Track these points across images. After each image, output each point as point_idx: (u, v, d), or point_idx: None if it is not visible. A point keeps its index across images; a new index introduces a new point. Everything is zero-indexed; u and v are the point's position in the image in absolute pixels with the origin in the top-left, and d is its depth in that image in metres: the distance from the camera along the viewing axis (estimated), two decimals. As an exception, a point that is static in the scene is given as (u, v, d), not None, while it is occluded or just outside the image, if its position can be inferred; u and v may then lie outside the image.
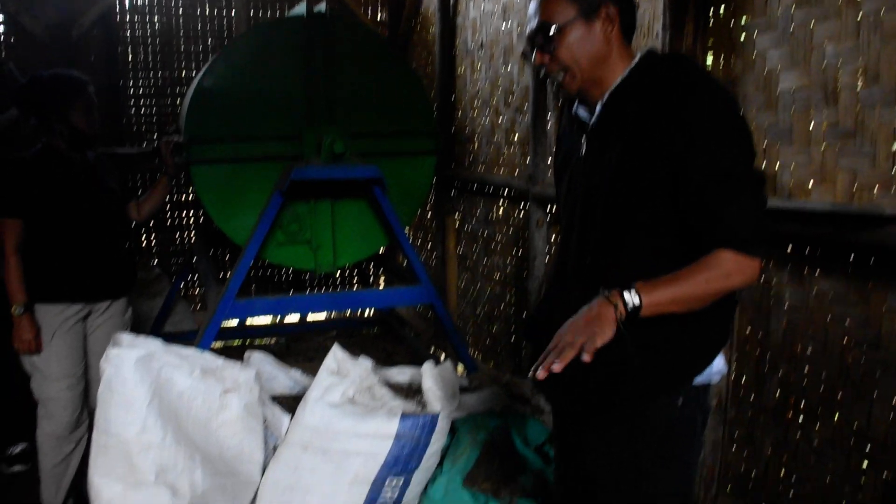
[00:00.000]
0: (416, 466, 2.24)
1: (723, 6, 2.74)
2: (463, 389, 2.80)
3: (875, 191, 2.25)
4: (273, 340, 5.46)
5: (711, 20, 2.78)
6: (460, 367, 3.71)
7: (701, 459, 1.80)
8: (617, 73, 1.68)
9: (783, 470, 2.86)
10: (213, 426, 2.30)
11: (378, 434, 2.18)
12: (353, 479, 2.20)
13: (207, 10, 5.86)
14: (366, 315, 5.71)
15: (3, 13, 5.19)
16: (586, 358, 1.48)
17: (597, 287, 1.60)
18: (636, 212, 1.63)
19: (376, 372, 2.48)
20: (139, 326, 3.71)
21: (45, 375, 2.94)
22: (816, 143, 2.44)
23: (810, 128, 2.46)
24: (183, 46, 5.85)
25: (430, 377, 2.35)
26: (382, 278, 6.23)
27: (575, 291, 1.68)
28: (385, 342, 5.30)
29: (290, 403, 2.49)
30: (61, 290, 2.93)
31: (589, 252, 1.70)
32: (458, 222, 5.27)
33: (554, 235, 3.93)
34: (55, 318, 2.91)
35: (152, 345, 2.28)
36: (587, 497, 1.82)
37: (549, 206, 3.91)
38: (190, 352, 2.36)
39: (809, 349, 2.62)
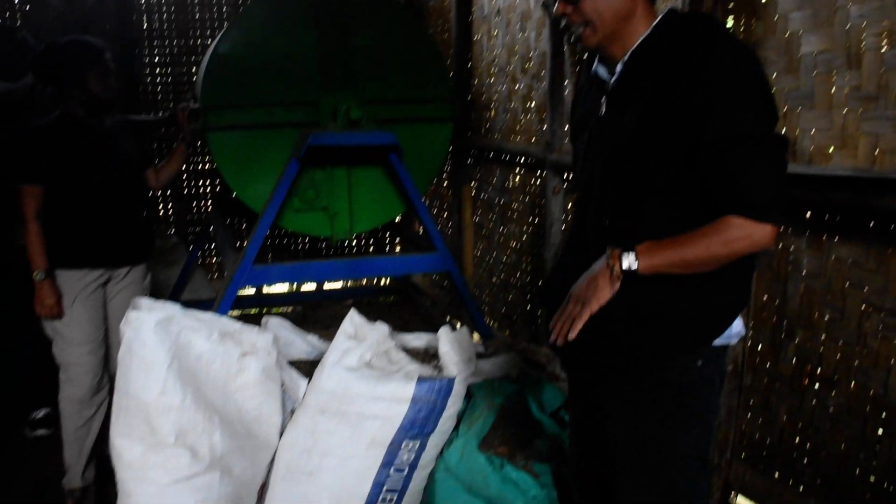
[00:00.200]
0: (433, 430, 2.25)
1: (744, -32, 2.70)
2: (479, 356, 2.81)
3: (897, 155, 2.22)
4: (290, 309, 5.50)
5: (732, -19, 2.75)
6: (476, 335, 3.73)
7: (716, 424, 1.81)
8: (639, 33, 1.65)
9: (798, 437, 2.86)
10: (231, 389, 2.33)
11: (395, 397, 2.19)
12: (370, 442, 2.22)
13: (222, -23, 5.83)
14: (382, 284, 5.73)
15: (18, -20, 5.19)
16: (575, 331, 1.54)
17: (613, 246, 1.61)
18: (653, 177, 1.62)
19: (393, 337, 2.49)
20: (157, 294, 3.74)
21: (67, 340, 2.98)
22: (838, 108, 2.41)
23: (832, 92, 2.42)
24: (198, 14, 5.83)
25: (447, 342, 2.36)
26: (398, 247, 6.24)
27: (592, 254, 1.68)
28: (401, 311, 5.33)
29: (307, 368, 2.51)
30: (81, 256, 2.96)
31: (607, 214, 1.70)
32: (474, 191, 5.26)
33: (570, 203, 3.92)
34: (76, 284, 2.95)
35: (171, 309, 2.30)
36: (605, 460, 1.84)
37: (565, 174, 3.89)
38: (208, 316, 2.38)
39: (827, 316, 2.60)
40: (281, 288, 5.98)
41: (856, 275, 2.44)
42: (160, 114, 5.81)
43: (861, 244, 2.41)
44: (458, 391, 2.28)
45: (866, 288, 2.42)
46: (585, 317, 1.59)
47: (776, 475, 2.94)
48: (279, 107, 3.54)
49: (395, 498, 2.30)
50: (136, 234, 3.15)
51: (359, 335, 2.34)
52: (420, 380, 2.20)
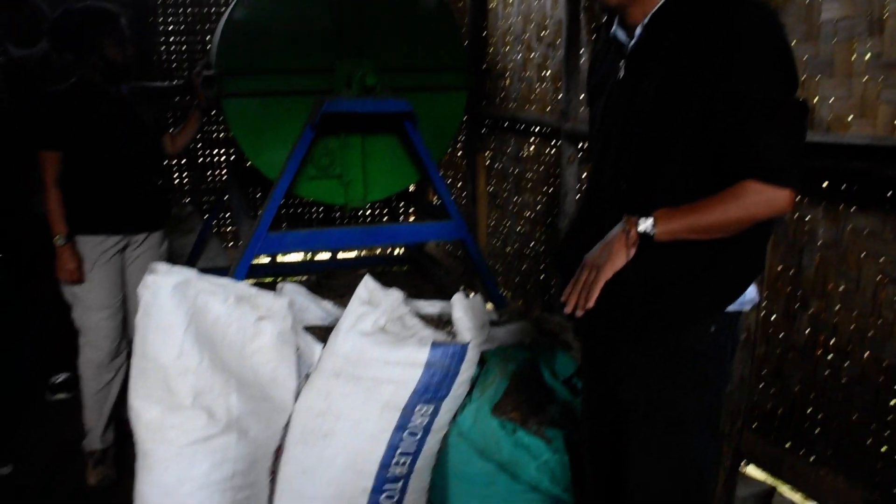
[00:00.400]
0: (446, 395, 2.27)
1: (765, -68, 2.66)
2: (492, 324, 2.83)
3: (917, 124, 2.20)
4: (304, 278, 5.53)
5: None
6: (489, 304, 3.74)
7: (728, 392, 1.82)
8: None
9: (810, 407, 2.87)
10: (247, 353, 2.36)
11: (409, 362, 2.21)
12: (384, 406, 2.24)
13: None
14: (395, 253, 5.75)
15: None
16: (591, 300, 1.55)
17: (630, 211, 1.61)
18: (670, 144, 1.61)
19: (407, 303, 2.50)
20: (173, 263, 3.76)
21: (86, 305, 3.02)
22: (858, 76, 2.38)
23: (852, 59, 2.40)
24: (213, -19, 5.82)
25: (461, 308, 2.37)
26: (412, 217, 6.24)
27: (607, 221, 1.68)
28: (415, 280, 5.34)
29: (321, 334, 2.53)
30: (100, 222, 2.99)
31: (623, 181, 1.69)
32: (488, 160, 5.25)
33: (585, 173, 3.91)
34: (95, 250, 2.98)
35: (188, 273, 2.32)
36: (617, 425, 1.85)
37: (580, 143, 3.87)
38: (224, 281, 2.40)
39: (841, 287, 2.60)
40: (295, 257, 6.01)
41: (872, 245, 2.44)
42: (174, 82, 5.82)
43: (878, 214, 2.40)
44: (472, 357, 2.29)
45: (882, 258, 2.41)
46: (601, 284, 1.59)
47: (788, 445, 2.95)
48: (294, 74, 3.53)
49: (408, 461, 2.32)
50: (153, 200, 3.17)
51: (373, 301, 2.35)
52: (434, 345, 2.22)
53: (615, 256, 1.59)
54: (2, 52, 3.82)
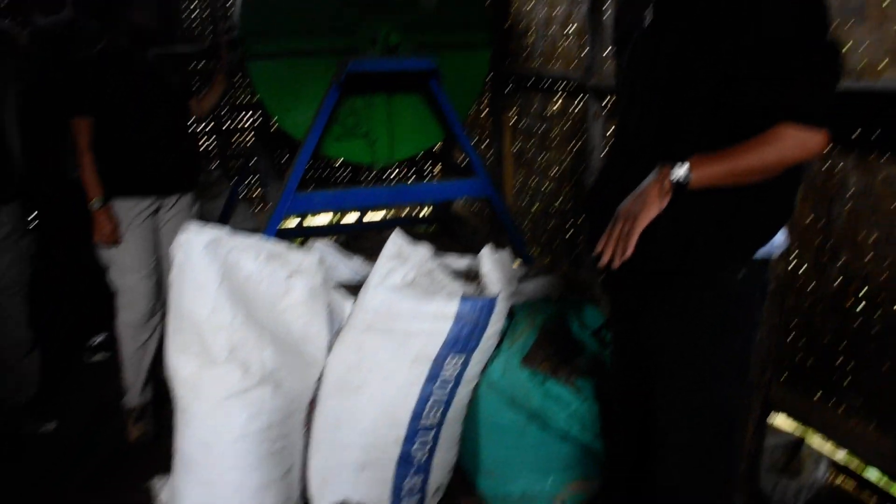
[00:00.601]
0: (476, 347, 2.30)
1: None
2: (520, 279, 2.84)
3: (952, 68, 2.16)
4: (332, 240, 5.57)
5: None
6: (517, 262, 3.76)
7: (757, 340, 1.82)
8: None
9: (840, 358, 2.86)
10: (279, 309, 2.40)
11: (438, 315, 2.24)
12: (415, 358, 2.28)
13: None
14: (422, 214, 5.76)
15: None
16: (629, 250, 1.55)
17: (656, 162, 1.61)
18: (697, 93, 1.60)
19: (435, 258, 2.53)
20: (203, 225, 3.82)
21: (122, 267, 3.08)
22: (891, 20, 2.34)
23: (884, 4, 2.35)
24: (235, -57, 5.78)
25: (489, 262, 2.39)
26: (438, 177, 6.24)
27: (634, 167, 1.68)
28: (442, 240, 5.37)
29: (351, 291, 2.57)
30: (132, 185, 3.04)
31: (651, 128, 1.69)
32: (513, 119, 5.22)
33: (611, 128, 3.88)
34: (129, 212, 3.03)
35: (219, 232, 2.36)
36: (646, 373, 1.87)
37: (606, 99, 3.84)
38: (255, 239, 2.44)
39: (873, 237, 2.58)
40: (322, 220, 6.06)
41: (904, 194, 2.41)
42: (199, 46, 5.83)
43: (911, 162, 2.37)
44: (501, 310, 2.32)
45: (915, 206, 2.38)
46: (636, 234, 1.59)
47: (817, 396, 2.96)
48: (318, 34, 3.53)
49: (439, 411, 2.36)
50: (183, 162, 3.21)
51: (402, 255, 2.38)
52: (463, 298, 2.24)
53: (650, 205, 1.59)
54: (28, 21, 3.86)
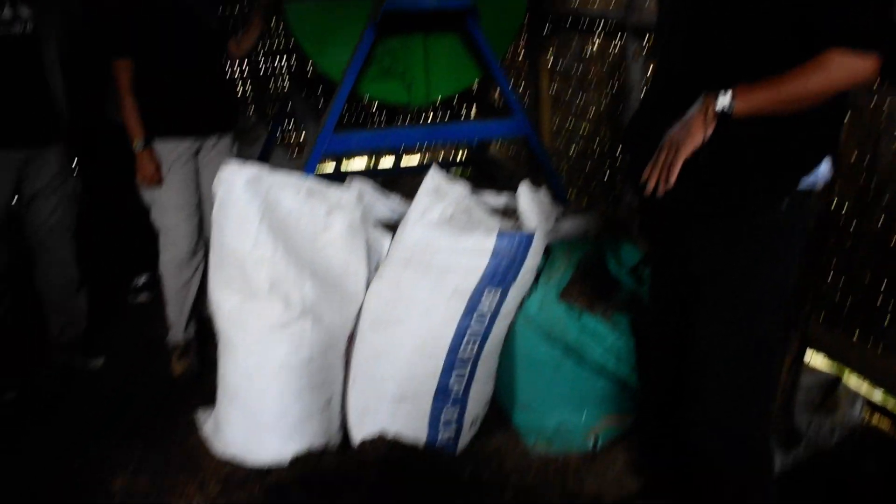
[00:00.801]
0: (512, 282, 2.32)
1: None
2: (557, 218, 2.84)
3: None
4: (368, 184, 5.60)
5: None
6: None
7: (796, 273, 1.81)
8: None
9: (881, 297, 2.84)
10: (319, 244, 2.44)
11: (476, 250, 2.26)
12: (453, 292, 2.31)
13: None
14: (458, 158, 5.75)
15: None
16: (672, 178, 1.55)
17: (699, 92, 1.60)
18: (744, 20, 1.57)
19: (473, 195, 2.55)
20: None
21: (164, 207, 3.14)
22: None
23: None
24: None
25: (527, 198, 2.40)
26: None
27: (677, 97, 1.66)
28: (478, 184, 5.35)
29: (389, 229, 2.60)
30: (173, 126, 3.07)
31: (694, 57, 1.67)
32: (550, 61, 5.15)
33: (651, 68, 3.82)
34: (170, 153, 3.07)
35: (260, 169, 2.39)
36: (686, 306, 1.87)
37: (646, 37, 3.77)
38: (294, 177, 2.47)
39: (920, 173, 2.53)
40: (359, 165, 6.08)
41: (953, 127, 2.35)
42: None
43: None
44: (538, 245, 2.33)
45: (964, 140, 2.33)
46: (680, 162, 1.59)
47: (856, 335, 2.94)
48: (354, -26, 3.50)
49: (476, 345, 2.40)
50: (222, 103, 3.24)
51: (440, 192, 2.39)
52: (501, 233, 2.25)
53: (694, 134, 1.58)
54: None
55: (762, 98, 1.54)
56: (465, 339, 2.36)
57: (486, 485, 2.43)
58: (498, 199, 2.68)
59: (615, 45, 4.22)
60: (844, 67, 1.48)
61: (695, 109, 1.60)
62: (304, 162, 3.41)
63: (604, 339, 2.35)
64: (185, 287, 3.28)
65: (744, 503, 1.94)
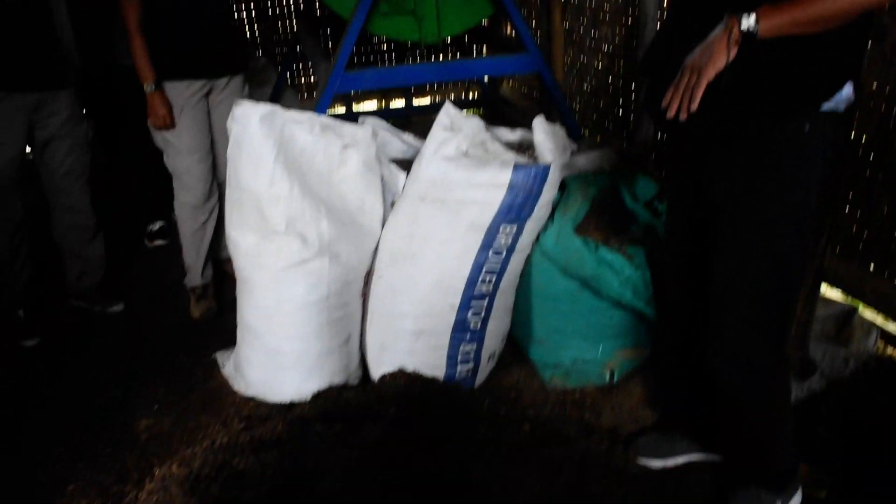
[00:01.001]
0: (529, 215, 2.32)
1: None
2: (573, 153, 2.82)
3: None
4: (381, 125, 5.57)
5: None
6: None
7: (817, 198, 1.79)
8: None
9: (897, 229, 2.82)
10: (334, 181, 2.44)
11: (492, 184, 2.25)
12: (469, 227, 2.31)
13: None
14: (470, 98, 5.70)
15: None
16: (695, 102, 1.53)
17: (721, 14, 1.57)
18: None
19: (488, 129, 2.53)
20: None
21: (177, 150, 3.13)
22: None
23: None
24: None
25: (542, 131, 2.38)
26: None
27: (698, 22, 1.63)
28: (490, 123, 5.31)
29: (404, 166, 2.59)
30: (183, 67, 3.05)
31: None
32: (563, -4, 5.05)
33: (666, 0, 3.74)
34: (181, 95, 3.06)
35: (273, 106, 2.37)
36: (704, 232, 1.86)
37: (661, -32, 3.69)
38: (308, 114, 2.46)
39: (941, 100, 2.49)
40: (370, 106, 6.04)
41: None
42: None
43: None
44: (554, 178, 2.31)
45: None
46: (703, 86, 1.57)
47: (872, 267, 2.93)
48: None
49: (493, 279, 2.41)
50: (232, 43, 3.20)
51: (455, 126, 2.37)
52: (516, 167, 2.24)
53: (717, 57, 1.55)
54: None
55: (786, 19, 1.51)
56: (482, 273, 2.37)
57: (504, 418, 2.46)
58: (513, 134, 2.65)
59: (630, -23, 4.14)
60: None
61: (717, 32, 1.56)
62: (315, 102, 3.39)
63: (620, 271, 2.35)
64: (200, 230, 3.30)
65: (762, 433, 1.97)
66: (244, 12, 5.93)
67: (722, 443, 2.16)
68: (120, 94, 3.68)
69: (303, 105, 5.36)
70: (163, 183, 3.50)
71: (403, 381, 2.47)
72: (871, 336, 2.79)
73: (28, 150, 3.09)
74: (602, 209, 2.56)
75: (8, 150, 2.91)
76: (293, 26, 6.06)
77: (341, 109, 5.62)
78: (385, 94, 6.20)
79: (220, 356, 2.92)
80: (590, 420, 2.51)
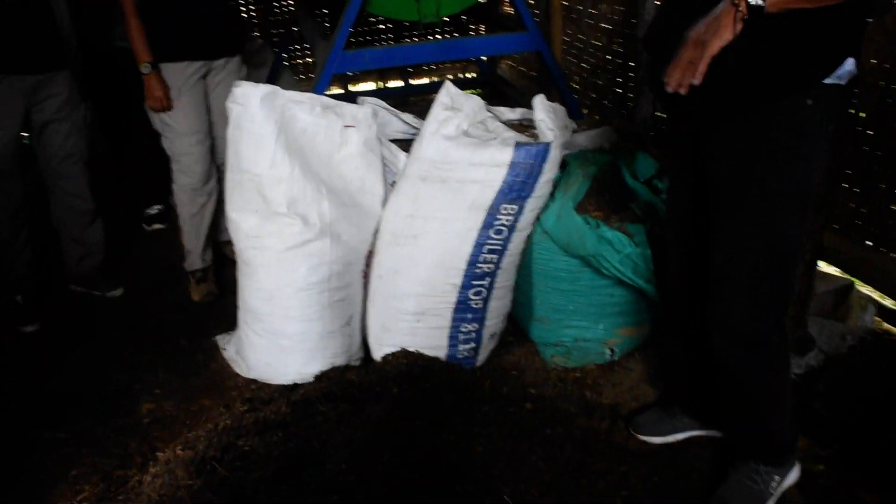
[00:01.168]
0: (530, 194, 2.32)
1: None
2: (573, 131, 2.82)
3: None
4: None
5: None
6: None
7: (819, 173, 1.78)
8: None
9: (895, 205, 2.83)
10: (335, 161, 2.43)
11: (493, 163, 2.25)
12: (471, 206, 2.31)
13: None
14: (468, 77, 5.68)
15: None
16: (699, 76, 1.51)
17: None
18: None
19: (488, 108, 2.52)
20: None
21: (175, 132, 3.12)
22: None
23: None
24: None
25: (543, 109, 2.37)
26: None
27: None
28: (489, 102, 5.29)
29: (404, 146, 2.59)
30: (181, 48, 3.03)
31: None
32: (560, -26, 5.02)
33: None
34: (179, 76, 3.04)
35: (273, 87, 2.37)
36: (706, 208, 1.86)
37: (660, -56, 3.67)
38: (308, 95, 2.45)
39: (941, 76, 2.49)
40: (367, 87, 6.02)
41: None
42: None
43: None
44: (555, 156, 2.31)
45: None
46: (707, 60, 1.55)
47: (870, 244, 2.95)
48: None
49: (495, 259, 2.41)
50: (229, 24, 3.18)
51: (455, 105, 2.37)
52: (518, 145, 2.24)
53: (723, 31, 1.53)
54: None
55: None
56: (484, 252, 2.38)
57: (506, 397, 2.48)
58: (513, 113, 2.65)
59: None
60: None
61: (724, 5, 1.54)
62: (314, 83, 3.37)
63: (621, 249, 2.35)
64: (199, 213, 3.29)
65: (762, 408, 1.98)
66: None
67: (722, 418, 2.18)
68: (117, 76, 3.66)
69: (300, 86, 5.35)
70: (160, 166, 3.48)
71: (405, 362, 2.48)
72: (868, 312, 2.81)
73: (26, 134, 3.08)
74: (602, 187, 2.57)
75: (5, 133, 2.90)
76: (290, 7, 6.03)
77: (337, 91, 5.60)
78: (382, 74, 6.18)
79: (221, 339, 2.93)
80: (591, 398, 2.53)
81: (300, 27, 4.59)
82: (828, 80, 1.63)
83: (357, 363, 2.67)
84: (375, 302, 2.56)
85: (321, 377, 2.51)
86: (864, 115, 2.89)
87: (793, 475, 2.07)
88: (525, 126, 2.58)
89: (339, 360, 2.60)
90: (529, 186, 2.29)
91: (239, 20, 3.32)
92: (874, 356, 2.66)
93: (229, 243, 3.49)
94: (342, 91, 5.37)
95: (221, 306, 3.27)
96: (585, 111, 4.82)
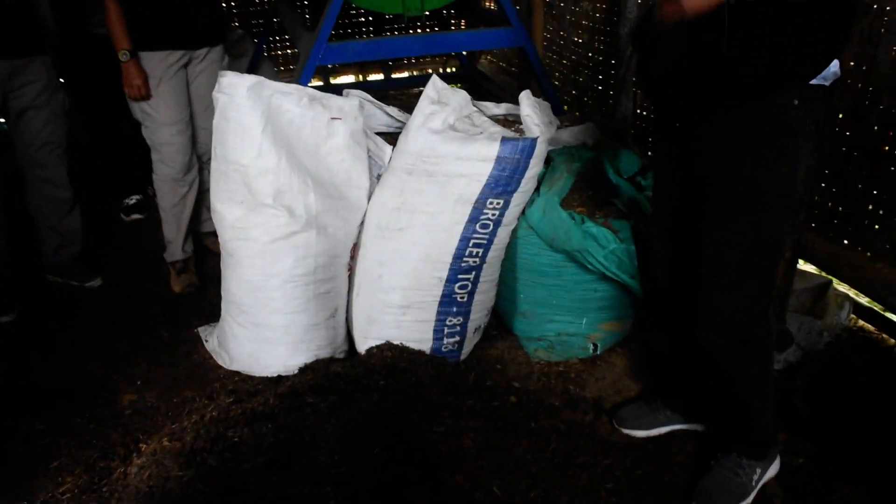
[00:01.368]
0: (515, 189, 2.33)
1: None
2: (558, 127, 2.84)
3: None
4: (358, 99, 5.54)
5: None
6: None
7: (803, 171, 1.81)
8: None
9: (870, 205, 2.89)
10: (322, 153, 2.43)
11: (480, 157, 2.26)
12: (457, 200, 2.31)
13: None
14: (449, 71, 5.68)
15: None
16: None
17: None
18: None
19: (474, 103, 2.53)
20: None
21: (156, 121, 3.09)
22: None
23: None
24: None
25: (528, 105, 2.38)
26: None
27: None
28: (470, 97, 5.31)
29: (389, 140, 2.58)
30: (162, 37, 2.99)
31: None
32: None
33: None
34: (160, 65, 3.01)
35: (259, 77, 2.35)
36: (691, 204, 1.89)
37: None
38: (295, 86, 2.44)
39: (918, 79, 2.54)
40: (347, 79, 5.99)
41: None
42: None
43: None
44: (541, 152, 2.33)
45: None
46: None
47: (846, 242, 3.00)
48: None
49: (480, 253, 2.42)
50: (211, 13, 3.15)
51: (442, 100, 2.37)
52: (504, 140, 2.25)
53: None
54: None
55: None
56: (470, 247, 2.38)
57: (490, 390, 2.49)
58: (498, 108, 2.66)
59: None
60: None
61: None
62: (297, 74, 3.35)
63: (606, 244, 2.38)
64: (180, 203, 3.26)
65: (746, 401, 2.01)
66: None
67: (706, 411, 2.21)
68: (97, 64, 3.62)
69: (280, 77, 5.32)
70: (139, 156, 3.45)
71: (391, 354, 2.48)
72: (845, 309, 2.86)
73: (2, 120, 3.03)
74: (587, 183, 2.59)
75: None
76: (269, -2, 5.99)
77: (318, 83, 5.57)
78: (362, 67, 6.16)
79: (203, 331, 2.91)
80: (574, 392, 2.55)
81: (281, 18, 4.55)
82: (814, 81, 1.66)
83: (341, 356, 2.67)
84: (360, 294, 2.55)
85: (306, 369, 2.51)
86: (840, 115, 2.94)
87: (773, 468, 2.11)
88: (510, 121, 2.59)
89: (324, 353, 2.60)
90: (515, 181, 2.30)
91: (220, 9, 3.29)
92: (850, 352, 2.71)
93: (210, 234, 3.49)
94: (322, 84, 5.33)
95: (202, 297, 3.25)
96: (566, 108, 4.85)
